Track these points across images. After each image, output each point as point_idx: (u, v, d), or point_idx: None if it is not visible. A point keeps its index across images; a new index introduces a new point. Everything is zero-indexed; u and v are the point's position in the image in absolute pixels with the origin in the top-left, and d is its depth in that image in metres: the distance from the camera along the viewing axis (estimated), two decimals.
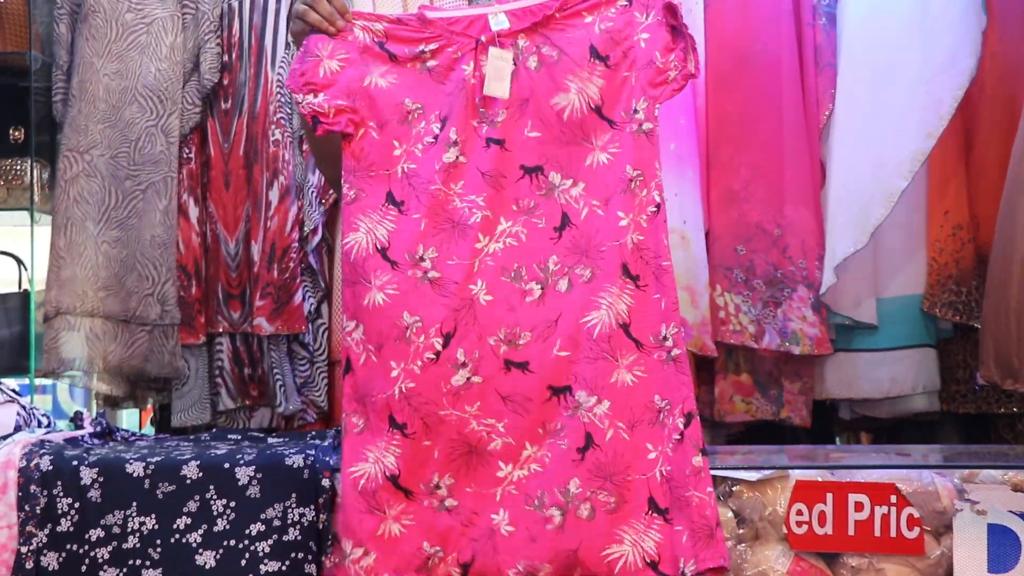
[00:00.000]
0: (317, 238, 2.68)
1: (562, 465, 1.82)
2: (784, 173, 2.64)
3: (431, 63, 1.93)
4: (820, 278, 2.63)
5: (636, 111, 1.91)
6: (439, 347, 1.85)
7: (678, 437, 1.85)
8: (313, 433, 2.23)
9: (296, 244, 2.64)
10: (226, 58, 2.71)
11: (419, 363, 1.84)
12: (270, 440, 2.15)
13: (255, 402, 2.71)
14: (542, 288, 1.88)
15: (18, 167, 2.98)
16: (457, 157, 1.90)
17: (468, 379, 1.84)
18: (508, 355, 1.85)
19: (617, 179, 1.90)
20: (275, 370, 2.66)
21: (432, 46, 1.93)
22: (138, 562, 1.92)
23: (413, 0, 2.66)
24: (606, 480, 1.81)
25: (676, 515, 1.82)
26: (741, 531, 1.97)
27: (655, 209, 1.89)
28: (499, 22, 1.93)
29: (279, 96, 2.66)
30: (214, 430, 2.36)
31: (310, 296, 2.68)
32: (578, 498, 1.81)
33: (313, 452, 1.97)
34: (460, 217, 1.89)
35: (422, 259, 1.87)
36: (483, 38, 1.92)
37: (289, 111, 2.64)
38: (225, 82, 2.71)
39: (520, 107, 1.92)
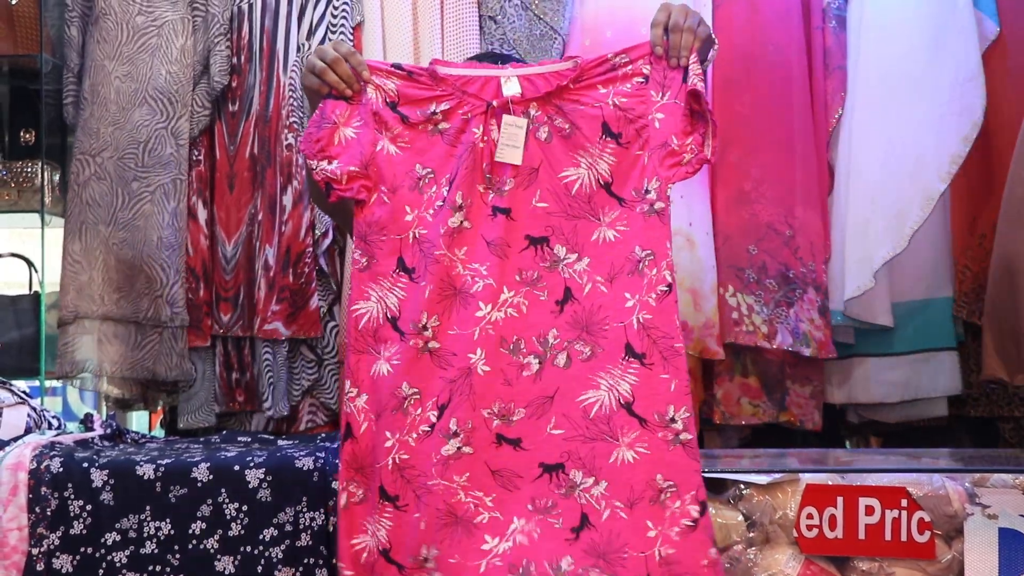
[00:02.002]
0: (328, 241, 2.69)
1: (554, 543, 1.78)
2: (794, 174, 2.65)
3: (443, 126, 1.90)
4: (826, 281, 2.64)
5: (648, 191, 1.87)
6: (434, 419, 1.82)
7: (689, 524, 1.76)
8: (323, 435, 2.23)
9: (310, 248, 2.65)
10: (234, 61, 2.72)
11: (414, 435, 1.82)
12: (280, 442, 2.15)
13: (241, 408, 2.71)
14: (540, 363, 1.85)
15: (29, 169, 2.99)
16: (462, 222, 1.87)
17: (459, 448, 1.80)
18: (500, 430, 1.82)
19: (624, 258, 1.86)
20: (269, 373, 2.66)
21: (444, 106, 1.90)
22: (158, 568, 1.92)
23: (424, 48, 2.66)
24: (599, 558, 1.76)
25: None
26: (751, 535, 1.97)
27: (666, 289, 1.84)
28: (511, 88, 1.90)
29: (291, 100, 2.67)
30: (224, 432, 2.35)
31: (321, 299, 2.68)
32: (570, 575, 1.76)
33: (323, 454, 1.97)
34: (463, 285, 1.86)
35: (425, 328, 1.85)
36: (495, 103, 1.89)
37: (302, 115, 2.64)
38: (233, 85, 2.72)
39: (529, 176, 1.90)
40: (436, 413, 1.82)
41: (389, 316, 1.86)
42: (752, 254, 2.64)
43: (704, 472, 1.92)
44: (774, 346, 2.61)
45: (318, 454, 1.98)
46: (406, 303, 1.86)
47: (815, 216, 2.66)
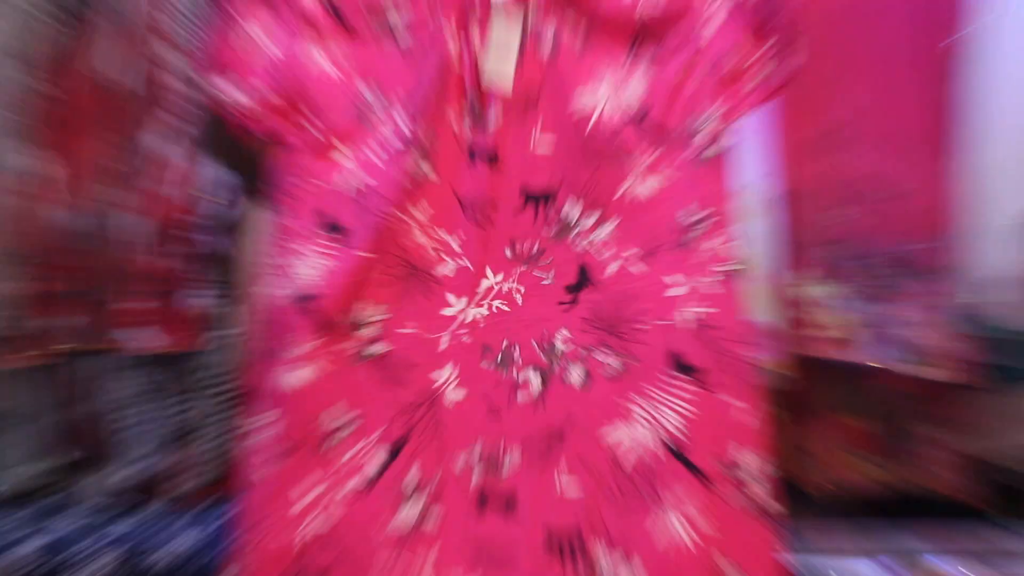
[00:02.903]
0: (218, 209, 2.22)
1: None
2: (897, 113, 2.06)
3: (400, 34, 1.43)
4: (951, 265, 2.00)
5: (699, 129, 1.42)
6: (380, 465, 1.34)
7: None
8: (207, 501, 1.65)
9: (192, 220, 2.15)
10: None
11: (342, 491, 1.33)
12: (143, 513, 1.64)
13: (79, 460, 2.13)
14: (543, 379, 1.37)
15: None
16: (425, 171, 1.39)
17: (420, 516, 1.33)
18: (485, 485, 1.34)
19: (666, 225, 1.38)
20: (133, 406, 2.08)
21: (405, 14, 1.44)
22: None
23: None
24: None
25: None
26: None
27: (731, 270, 1.40)
28: None
29: None
30: (60, 495, 1.83)
31: (207, 297, 2.13)
32: None
33: (208, 531, 1.49)
34: (424, 262, 1.38)
35: (364, 322, 1.37)
36: (477, 1, 1.41)
37: (186, 19, 2.17)
38: None
39: (524, 107, 1.41)
40: (385, 453, 1.32)
41: (305, 297, 1.35)
42: (830, 223, 2.03)
43: (793, 555, 1.44)
44: (857, 359, 1.97)
45: (198, 531, 1.49)
46: (334, 279, 1.36)
47: (929, 172, 2.06)
